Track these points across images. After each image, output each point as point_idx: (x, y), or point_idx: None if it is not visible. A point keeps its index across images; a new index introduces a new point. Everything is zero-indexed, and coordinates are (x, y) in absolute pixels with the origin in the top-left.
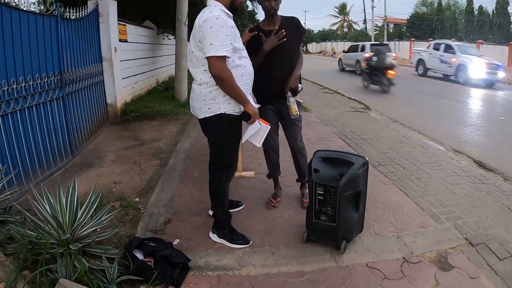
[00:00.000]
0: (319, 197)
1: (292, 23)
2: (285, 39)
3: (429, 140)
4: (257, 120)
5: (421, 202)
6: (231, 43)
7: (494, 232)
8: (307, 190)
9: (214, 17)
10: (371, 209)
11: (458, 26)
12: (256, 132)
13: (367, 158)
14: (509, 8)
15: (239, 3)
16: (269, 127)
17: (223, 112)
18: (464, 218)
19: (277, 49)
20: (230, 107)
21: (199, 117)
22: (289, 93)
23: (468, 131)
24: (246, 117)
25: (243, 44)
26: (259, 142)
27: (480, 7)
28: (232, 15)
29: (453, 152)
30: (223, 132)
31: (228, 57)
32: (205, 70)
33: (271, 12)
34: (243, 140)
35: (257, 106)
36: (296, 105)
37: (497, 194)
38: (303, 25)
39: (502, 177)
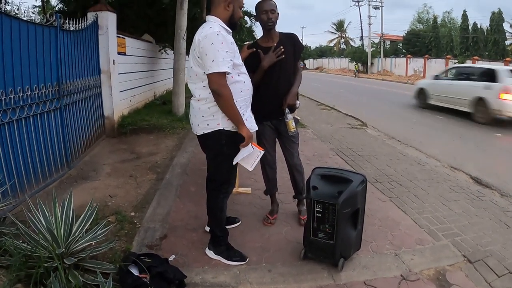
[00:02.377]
0: (317, 214)
1: (291, 39)
2: (283, 56)
3: (426, 157)
4: (250, 143)
5: (418, 219)
6: (231, 59)
7: (492, 248)
8: (305, 207)
9: (214, 33)
10: (369, 226)
11: (454, 43)
12: (248, 156)
13: (365, 176)
14: (504, 24)
15: (238, 18)
16: (263, 152)
17: (221, 128)
18: (461, 235)
19: (275, 66)
20: (229, 123)
21: (197, 134)
22: (287, 110)
23: None
24: (239, 139)
25: (242, 60)
26: (251, 166)
27: (474, 24)
28: (231, 31)
29: (450, 169)
30: (221, 149)
31: (228, 73)
32: (204, 86)
33: (269, 25)
34: (234, 161)
35: (255, 128)
36: (293, 122)
37: (494, 210)
38: (301, 41)
39: (499, 193)
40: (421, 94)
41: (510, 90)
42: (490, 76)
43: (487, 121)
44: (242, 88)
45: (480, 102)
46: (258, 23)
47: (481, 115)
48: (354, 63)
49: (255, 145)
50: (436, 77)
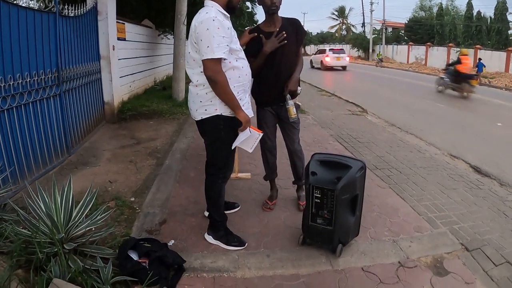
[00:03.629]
0: (316, 200)
1: (293, 25)
2: (285, 41)
3: (426, 144)
4: (248, 127)
5: (417, 206)
6: (227, 45)
7: (489, 237)
8: (304, 193)
9: (210, 18)
10: (367, 212)
11: (457, 32)
12: (247, 139)
13: (364, 162)
14: (508, 14)
15: (236, 2)
16: (261, 134)
17: (219, 113)
18: (460, 223)
19: (277, 51)
20: (226, 109)
21: (196, 119)
22: (288, 96)
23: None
24: (237, 124)
25: (243, 45)
26: (250, 148)
27: (478, 13)
28: (229, 15)
29: (449, 157)
30: (219, 134)
31: (225, 59)
32: (201, 72)
33: (272, 10)
34: (233, 145)
35: (250, 115)
36: (294, 108)
37: (493, 199)
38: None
39: (498, 182)
40: (311, 62)
41: (328, 56)
42: (325, 51)
43: (324, 69)
44: (240, 74)
45: (322, 62)
46: (259, 8)
47: (322, 67)
48: (378, 52)
49: (253, 128)
50: (314, 54)
